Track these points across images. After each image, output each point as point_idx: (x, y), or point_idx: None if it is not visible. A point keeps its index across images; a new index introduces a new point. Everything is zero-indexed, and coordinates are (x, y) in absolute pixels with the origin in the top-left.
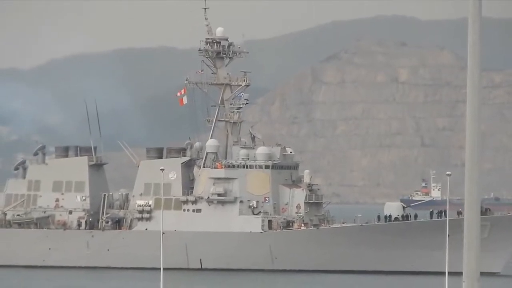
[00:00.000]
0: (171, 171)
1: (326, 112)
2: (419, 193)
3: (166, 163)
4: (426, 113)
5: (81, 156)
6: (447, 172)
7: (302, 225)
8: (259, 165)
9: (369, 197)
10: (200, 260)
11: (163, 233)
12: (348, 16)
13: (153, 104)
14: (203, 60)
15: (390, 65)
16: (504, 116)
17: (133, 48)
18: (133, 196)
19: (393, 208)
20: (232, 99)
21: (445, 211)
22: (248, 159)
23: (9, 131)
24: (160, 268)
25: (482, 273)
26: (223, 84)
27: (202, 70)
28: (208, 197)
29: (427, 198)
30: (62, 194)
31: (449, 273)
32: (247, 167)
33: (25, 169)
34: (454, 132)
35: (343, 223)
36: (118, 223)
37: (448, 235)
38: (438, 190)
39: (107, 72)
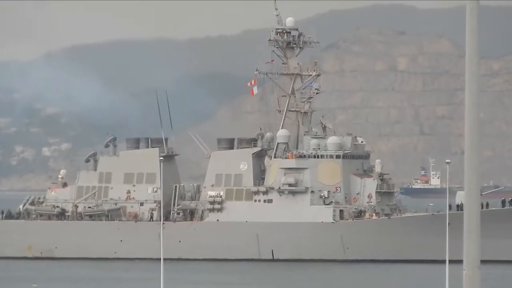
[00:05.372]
0: (242, 162)
1: (325, 101)
2: (418, 181)
3: (237, 153)
4: (425, 101)
5: (152, 147)
6: (447, 160)
7: (374, 214)
8: (330, 155)
9: None
10: (272, 250)
11: (163, 223)
12: (346, 5)
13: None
14: (273, 51)
15: (389, 53)
16: (503, 104)
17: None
18: (205, 187)
19: (462, 197)
20: (303, 89)
21: None
22: (319, 149)
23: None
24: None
25: None
26: (293, 74)
27: (272, 60)
28: (279, 188)
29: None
30: (134, 186)
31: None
32: (318, 157)
33: (96, 161)
34: (453, 120)
35: (414, 212)
36: (190, 215)
37: (449, 223)
38: (438, 178)
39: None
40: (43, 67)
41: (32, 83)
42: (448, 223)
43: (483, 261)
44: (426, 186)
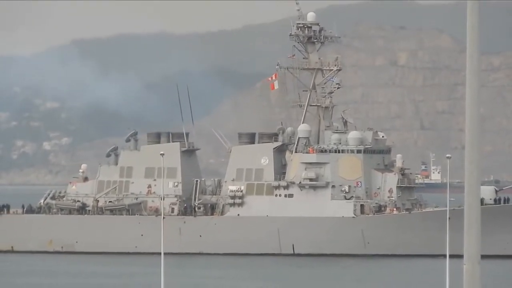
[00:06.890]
0: (263, 156)
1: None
2: (419, 176)
3: (258, 148)
4: (425, 96)
5: (173, 142)
6: (447, 155)
7: (395, 209)
8: (351, 150)
9: None
10: (293, 245)
11: (163, 217)
12: (346, 0)
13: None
14: (294, 45)
15: (389, 48)
16: (503, 99)
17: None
18: (225, 181)
19: (485, 192)
20: (324, 83)
21: None
22: (340, 143)
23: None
24: (254, 253)
25: None
26: (314, 69)
27: (293, 55)
28: (300, 182)
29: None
30: (154, 180)
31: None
32: (339, 152)
33: (117, 155)
34: (453, 115)
35: (435, 207)
36: (210, 209)
37: (449, 218)
38: (438, 173)
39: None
40: (44, 62)
41: (33, 78)
42: (449, 218)
43: (497, 256)
44: (427, 181)
